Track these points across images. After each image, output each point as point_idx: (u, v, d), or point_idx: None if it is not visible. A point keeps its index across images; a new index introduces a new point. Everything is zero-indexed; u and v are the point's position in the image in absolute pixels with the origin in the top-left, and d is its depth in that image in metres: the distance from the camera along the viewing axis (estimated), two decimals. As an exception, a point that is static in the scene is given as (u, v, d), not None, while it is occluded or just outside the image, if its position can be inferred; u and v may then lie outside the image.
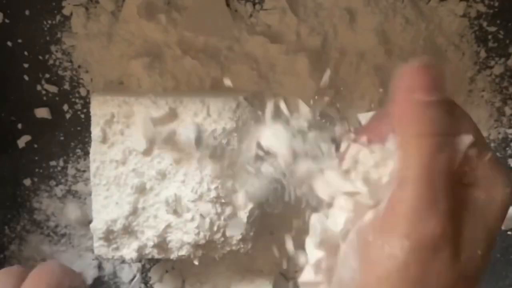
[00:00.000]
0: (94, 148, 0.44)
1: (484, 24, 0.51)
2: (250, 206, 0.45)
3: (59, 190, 0.51)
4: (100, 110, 0.44)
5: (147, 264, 0.52)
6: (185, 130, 0.43)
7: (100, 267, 0.51)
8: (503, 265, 0.52)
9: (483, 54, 0.51)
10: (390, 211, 0.29)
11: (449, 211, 0.28)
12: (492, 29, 0.51)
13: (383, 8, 0.50)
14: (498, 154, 0.52)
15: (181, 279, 0.52)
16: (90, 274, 0.51)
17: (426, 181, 0.28)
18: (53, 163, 0.51)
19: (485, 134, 0.52)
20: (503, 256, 0.52)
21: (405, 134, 0.29)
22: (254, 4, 0.50)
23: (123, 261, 0.51)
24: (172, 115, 0.44)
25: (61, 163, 0.51)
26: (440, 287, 0.28)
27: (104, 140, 0.43)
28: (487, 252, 0.29)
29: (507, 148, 0.52)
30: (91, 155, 0.44)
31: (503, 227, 0.52)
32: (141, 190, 0.43)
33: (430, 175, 0.28)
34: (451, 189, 0.28)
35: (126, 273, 0.52)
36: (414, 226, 0.27)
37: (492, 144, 0.52)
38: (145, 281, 0.52)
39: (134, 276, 0.52)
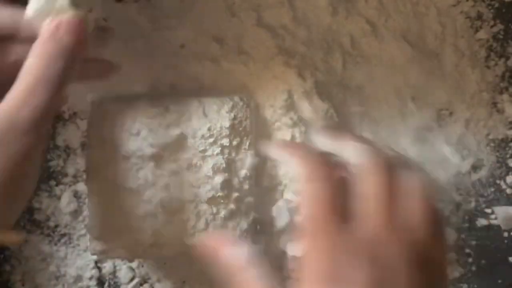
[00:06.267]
0: (90, 148, 0.44)
1: (485, 24, 0.51)
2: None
3: (59, 190, 0.51)
4: (97, 110, 0.44)
5: (147, 264, 0.52)
6: (174, 130, 0.43)
7: (99, 267, 0.51)
8: (503, 265, 0.52)
9: (483, 54, 0.51)
10: None
11: None
12: (492, 29, 0.51)
13: (383, 7, 0.50)
14: (497, 154, 0.52)
15: (181, 279, 0.52)
16: (90, 274, 0.51)
17: None
18: (53, 163, 0.51)
19: (485, 133, 0.52)
20: (503, 256, 0.52)
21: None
22: (253, 3, 0.50)
23: (121, 260, 0.51)
24: (168, 115, 0.44)
25: (61, 163, 0.51)
26: None
27: (100, 140, 0.43)
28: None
29: (507, 148, 0.52)
30: (86, 155, 0.44)
31: (503, 227, 0.52)
32: (136, 189, 0.43)
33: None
34: None
35: (126, 273, 0.51)
36: None
37: (492, 144, 0.52)
38: (145, 280, 0.52)
39: (134, 276, 0.52)
